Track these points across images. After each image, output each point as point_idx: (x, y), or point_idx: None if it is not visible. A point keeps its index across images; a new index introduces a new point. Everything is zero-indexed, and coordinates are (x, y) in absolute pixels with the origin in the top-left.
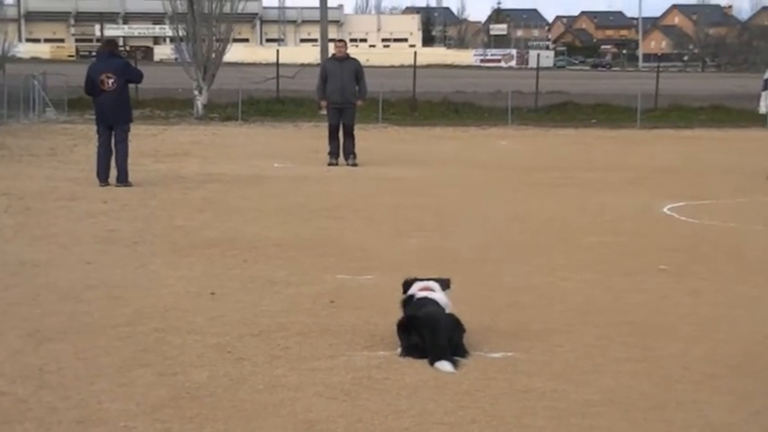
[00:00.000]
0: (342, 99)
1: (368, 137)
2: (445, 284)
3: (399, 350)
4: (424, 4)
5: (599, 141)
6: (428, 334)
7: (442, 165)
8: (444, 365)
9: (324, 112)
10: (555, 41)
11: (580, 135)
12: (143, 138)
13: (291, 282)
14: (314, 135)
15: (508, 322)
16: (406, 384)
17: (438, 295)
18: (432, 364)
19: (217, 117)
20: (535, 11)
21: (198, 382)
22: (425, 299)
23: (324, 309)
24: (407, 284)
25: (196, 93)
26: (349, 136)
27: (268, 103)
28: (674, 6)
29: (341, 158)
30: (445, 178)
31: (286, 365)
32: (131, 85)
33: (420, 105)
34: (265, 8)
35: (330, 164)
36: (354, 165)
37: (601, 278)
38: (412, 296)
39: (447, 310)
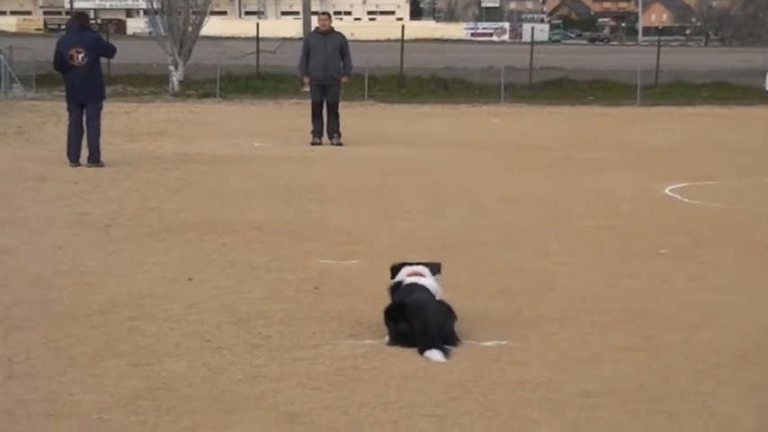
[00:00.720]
0: (325, 75)
1: (353, 115)
2: (435, 269)
3: (387, 339)
4: None
5: (596, 119)
6: (417, 322)
7: (431, 144)
8: (434, 355)
9: (306, 88)
10: (550, 14)
11: (576, 113)
12: (116, 116)
13: (273, 267)
14: (296, 113)
15: (501, 309)
16: (394, 375)
17: (428, 281)
18: (421, 353)
19: (193, 94)
20: None
21: (175, 372)
22: (414, 285)
23: (307, 295)
24: (395, 269)
25: (172, 68)
26: (333, 114)
27: (248, 80)
28: None
29: (325, 137)
30: (434, 158)
31: (267, 355)
32: (103, 61)
33: (408, 82)
34: None
35: (313, 143)
36: (339, 144)
37: (597, 263)
38: (400, 282)
39: (437, 297)
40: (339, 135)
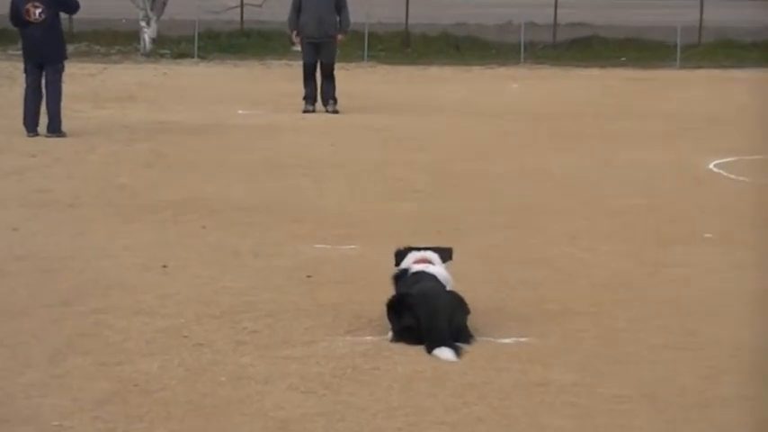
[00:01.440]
0: (319, 33)
1: (351, 78)
2: (446, 255)
3: (390, 334)
4: None
5: (630, 84)
6: (424, 315)
7: (440, 112)
8: (444, 352)
9: (297, 48)
10: None
11: (607, 76)
12: (79, 78)
13: (260, 252)
14: (286, 76)
15: (521, 302)
16: (398, 376)
17: (437, 269)
18: (429, 351)
19: (168, 54)
20: None
21: (147, 372)
22: (422, 273)
23: (299, 285)
24: (400, 255)
25: (143, 24)
26: (328, 77)
27: (230, 37)
28: None
29: (318, 104)
30: (444, 129)
31: (254, 353)
32: (64, 16)
33: (414, 40)
34: None
35: (306, 110)
36: (335, 112)
37: (632, 249)
38: (406, 270)
39: (448, 287)
40: (335, 101)
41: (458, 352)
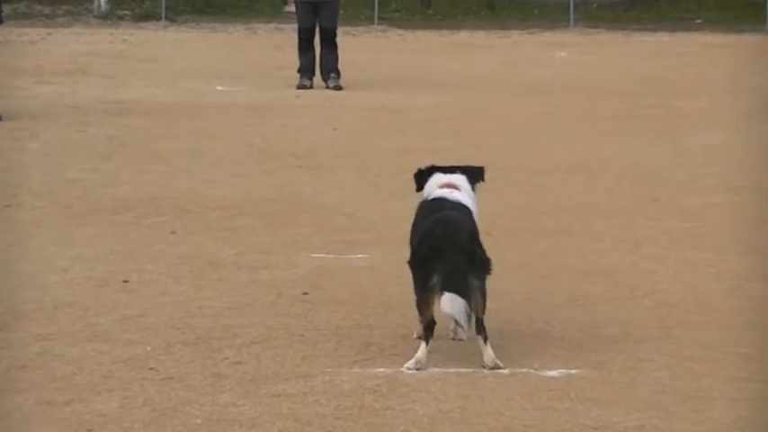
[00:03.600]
0: None
1: (357, 46)
2: (476, 176)
3: (416, 330)
4: None
5: (707, 52)
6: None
7: (469, 88)
8: (451, 302)
9: (291, 8)
10: None
11: (678, 43)
12: (18, 47)
13: (244, 264)
14: (276, 43)
15: (570, 325)
16: (417, 418)
17: (464, 197)
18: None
19: (128, 16)
20: None
21: (104, 414)
22: (444, 201)
23: (293, 304)
24: (422, 176)
25: None
26: (329, 45)
27: None
28: None
29: (317, 78)
30: (474, 109)
31: (237, 389)
32: None
33: None
34: None
35: (301, 86)
36: (337, 88)
37: (709, 258)
38: (425, 198)
39: (473, 209)
40: (337, 75)
41: (469, 300)
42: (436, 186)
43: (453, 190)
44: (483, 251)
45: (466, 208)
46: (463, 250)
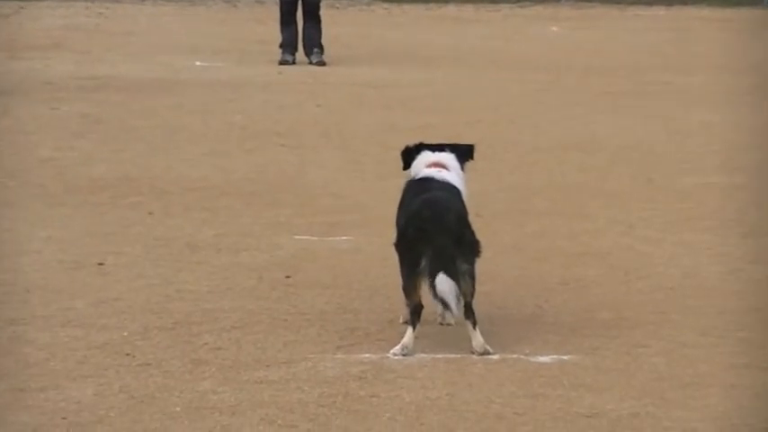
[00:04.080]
0: None
1: (342, 20)
2: (465, 154)
3: (402, 315)
4: None
5: (705, 27)
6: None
7: (458, 64)
8: (444, 284)
9: None
10: None
11: (675, 17)
12: None
13: (224, 246)
14: (258, 17)
15: (563, 309)
16: (404, 405)
17: (453, 177)
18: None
19: None
20: None
21: (79, 401)
22: (431, 180)
23: (275, 288)
24: (409, 154)
25: None
26: (312, 19)
27: None
28: None
29: (300, 54)
30: (463, 86)
31: (217, 376)
32: None
33: None
34: None
35: (283, 62)
36: (321, 63)
37: (707, 240)
38: (413, 178)
39: (462, 189)
40: (321, 50)
41: (460, 283)
42: (424, 165)
43: (441, 169)
44: (472, 233)
45: (454, 188)
46: (451, 232)
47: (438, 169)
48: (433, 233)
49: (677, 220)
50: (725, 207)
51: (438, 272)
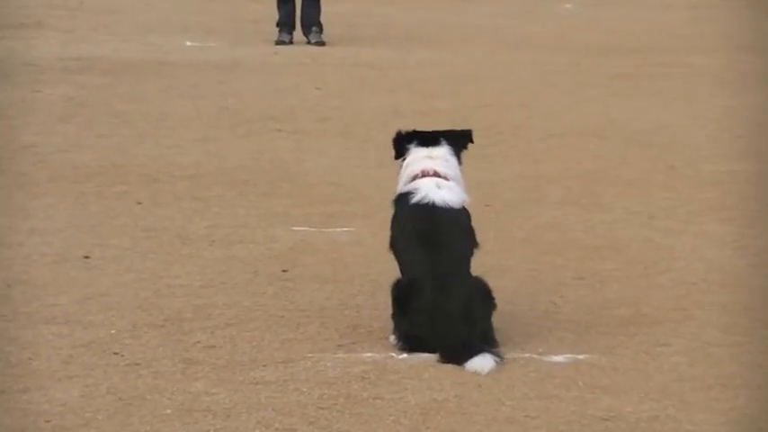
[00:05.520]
0: None
1: None
2: (461, 144)
3: (392, 337)
4: None
5: (727, 5)
6: (433, 316)
7: (466, 44)
8: (480, 363)
9: None
10: None
11: None
12: None
13: (217, 238)
14: None
15: (578, 305)
16: (409, 408)
17: (453, 187)
18: (457, 363)
19: None
20: None
21: (64, 403)
22: (431, 211)
23: (272, 282)
24: (401, 143)
25: None
26: None
27: None
28: None
29: (298, 33)
30: (472, 67)
31: (210, 376)
32: None
33: None
34: None
35: (280, 42)
36: (320, 43)
37: (732, 231)
38: (406, 195)
39: (463, 199)
40: (320, 29)
41: (497, 357)
42: (418, 170)
43: (439, 179)
44: (489, 292)
45: (458, 214)
46: (467, 320)
47: (436, 181)
48: (445, 326)
49: (700, 210)
50: (751, 196)
51: (466, 355)
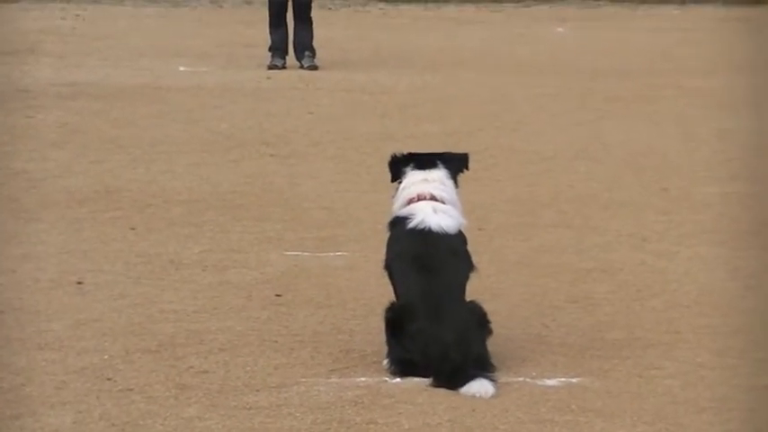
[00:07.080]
0: None
1: (335, 21)
2: (457, 167)
3: (386, 362)
4: None
5: (720, 27)
6: (428, 342)
7: (457, 68)
8: (477, 387)
9: None
10: None
11: (688, 17)
12: None
13: (210, 263)
14: (245, 18)
15: (571, 329)
16: (403, 431)
17: (450, 212)
18: (453, 387)
19: None
20: None
21: (57, 429)
22: (427, 238)
23: (265, 307)
24: (397, 167)
25: None
26: (303, 20)
27: None
28: None
29: (290, 57)
30: (464, 91)
31: (203, 401)
32: None
33: None
34: None
35: (272, 66)
36: (312, 68)
37: (724, 254)
38: (404, 219)
39: (459, 223)
40: (312, 54)
41: (494, 381)
42: (414, 194)
43: (435, 203)
44: (484, 316)
45: (454, 239)
46: (461, 345)
47: (432, 205)
48: (442, 353)
49: (693, 233)
50: (743, 218)
51: (462, 380)
